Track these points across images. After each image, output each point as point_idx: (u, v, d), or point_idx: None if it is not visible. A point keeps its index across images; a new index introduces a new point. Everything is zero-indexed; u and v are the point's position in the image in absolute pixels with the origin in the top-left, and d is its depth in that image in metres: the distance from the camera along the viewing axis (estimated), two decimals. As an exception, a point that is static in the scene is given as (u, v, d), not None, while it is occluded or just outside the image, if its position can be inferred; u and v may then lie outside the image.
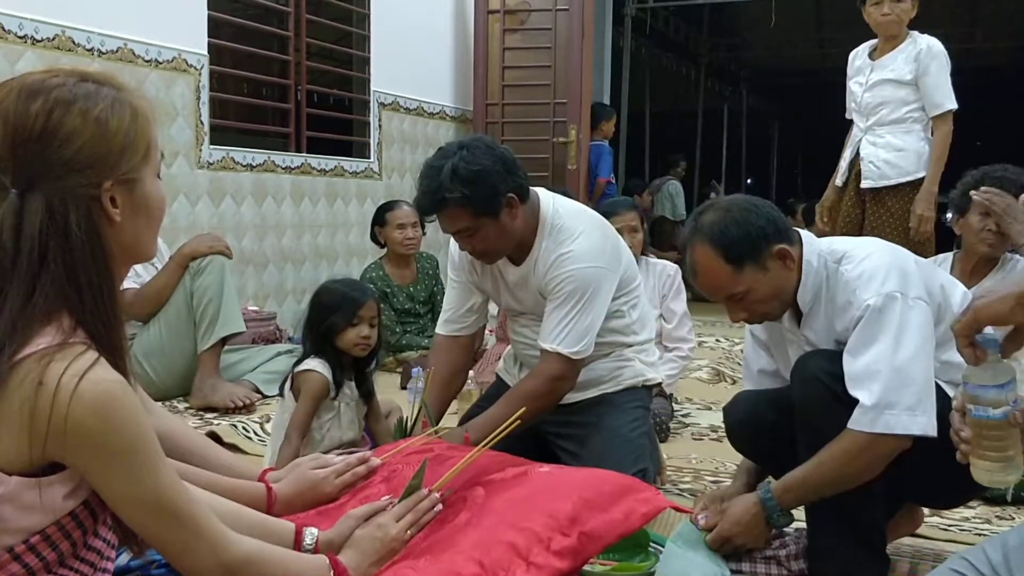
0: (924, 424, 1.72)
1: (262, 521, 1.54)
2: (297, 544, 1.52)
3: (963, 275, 2.92)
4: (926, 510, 2.25)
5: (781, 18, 8.97)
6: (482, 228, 2.30)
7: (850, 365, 1.79)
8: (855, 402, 1.76)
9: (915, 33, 4.01)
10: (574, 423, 2.48)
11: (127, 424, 1.12)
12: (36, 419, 1.07)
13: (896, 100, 3.96)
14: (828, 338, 1.91)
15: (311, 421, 2.47)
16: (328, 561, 1.41)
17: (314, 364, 2.47)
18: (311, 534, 1.53)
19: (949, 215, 3.10)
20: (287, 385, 2.53)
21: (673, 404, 3.47)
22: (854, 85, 4.15)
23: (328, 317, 2.46)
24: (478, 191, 2.25)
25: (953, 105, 3.89)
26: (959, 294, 1.92)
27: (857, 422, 1.75)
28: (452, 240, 2.50)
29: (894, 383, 1.72)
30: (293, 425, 2.44)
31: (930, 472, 1.75)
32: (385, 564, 1.50)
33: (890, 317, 1.77)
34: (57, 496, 1.13)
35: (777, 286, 1.90)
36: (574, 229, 2.41)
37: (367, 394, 2.59)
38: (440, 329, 2.66)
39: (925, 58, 3.90)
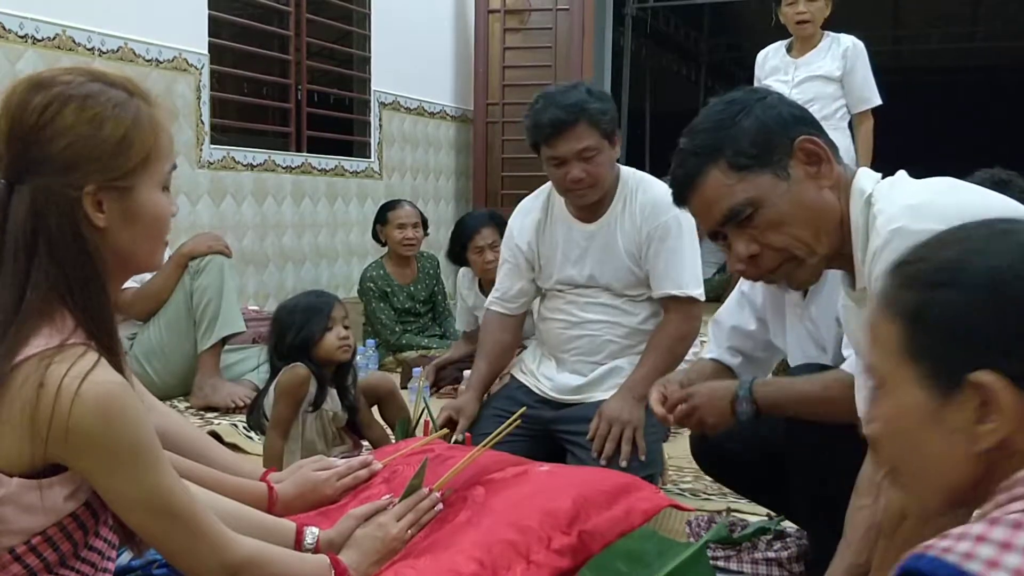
0: None
1: (263, 520, 1.53)
2: (298, 543, 1.52)
3: None
4: None
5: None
6: (601, 152, 2.39)
7: None
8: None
9: (830, 32, 4.16)
10: (588, 423, 2.45)
11: (129, 426, 1.12)
12: (37, 421, 1.07)
13: (826, 96, 4.12)
14: (830, 320, 1.78)
15: (292, 420, 2.41)
16: (329, 561, 1.41)
17: (294, 365, 2.41)
18: (312, 533, 1.53)
19: None
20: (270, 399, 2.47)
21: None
22: (775, 83, 4.23)
23: (300, 330, 2.40)
24: (610, 109, 2.40)
25: (879, 101, 4.09)
26: None
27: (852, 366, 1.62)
28: (513, 217, 2.64)
29: None
30: (272, 425, 2.41)
31: None
32: (386, 563, 1.50)
33: None
34: (58, 497, 1.13)
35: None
36: (652, 179, 2.53)
37: (351, 408, 2.52)
38: (491, 306, 2.69)
39: (852, 55, 4.10)
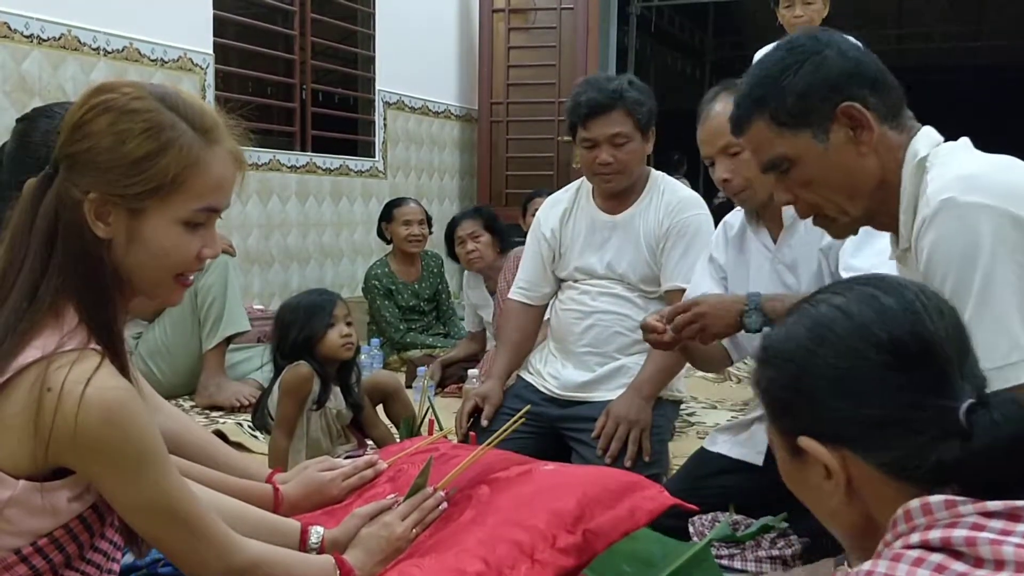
0: None
1: (267, 520, 1.54)
2: (302, 543, 1.52)
3: None
4: None
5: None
6: (632, 140, 2.48)
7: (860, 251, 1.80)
8: None
9: None
10: (595, 421, 2.46)
11: (134, 432, 1.12)
12: (40, 425, 1.07)
13: None
14: (809, 255, 1.91)
15: (298, 419, 2.41)
16: (334, 561, 1.41)
17: (298, 363, 2.42)
18: (316, 533, 1.53)
19: None
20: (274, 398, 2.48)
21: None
22: None
23: (303, 328, 2.41)
24: (648, 102, 2.51)
25: None
26: None
27: None
28: (541, 209, 2.71)
29: None
30: (278, 424, 2.41)
31: None
32: (390, 563, 1.50)
33: None
34: (63, 500, 1.14)
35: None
36: (681, 184, 2.65)
37: (355, 406, 2.53)
38: (513, 295, 2.74)
39: None
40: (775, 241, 1.99)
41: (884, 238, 1.68)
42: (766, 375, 1.00)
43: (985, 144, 1.42)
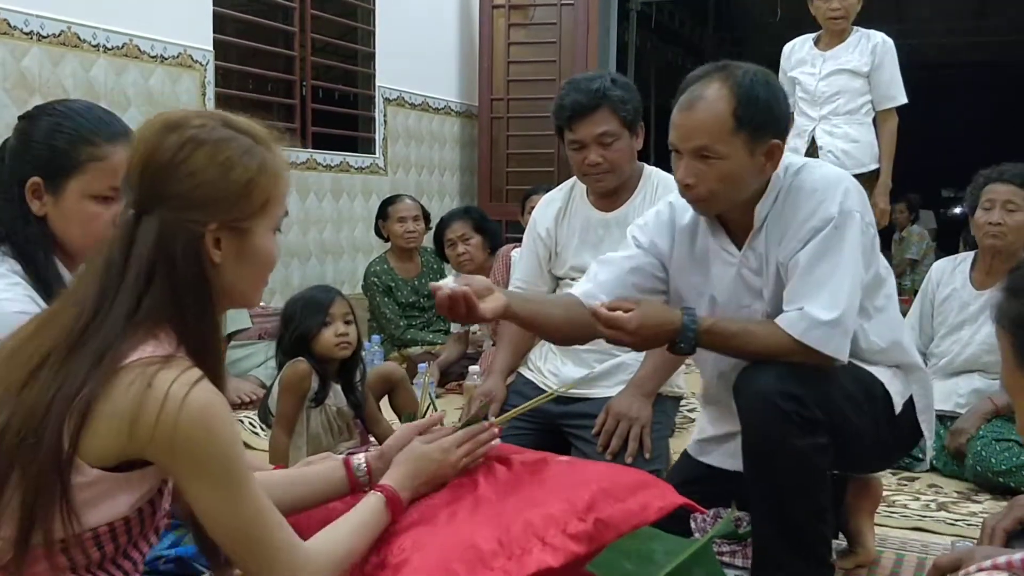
0: (845, 353, 1.75)
1: (311, 475, 1.58)
2: (350, 478, 1.57)
3: (981, 274, 2.94)
4: (885, 485, 2.24)
5: (786, 12, 8.96)
6: (620, 139, 2.48)
7: (804, 280, 1.75)
8: (809, 423, 1.70)
9: (860, 28, 4.17)
10: (594, 418, 2.47)
11: (227, 441, 1.17)
12: (141, 420, 1.11)
13: (852, 91, 4.11)
14: (770, 259, 1.83)
15: (297, 416, 2.42)
16: (382, 499, 1.45)
17: (296, 360, 2.43)
18: (358, 460, 1.58)
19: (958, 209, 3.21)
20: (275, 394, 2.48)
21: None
22: (802, 75, 4.23)
23: (299, 325, 2.42)
24: (632, 99, 2.51)
25: (905, 99, 4.12)
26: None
27: (794, 327, 1.72)
28: (536, 208, 2.70)
29: (848, 307, 1.73)
30: (277, 420, 2.42)
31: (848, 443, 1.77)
32: (431, 488, 1.54)
33: (849, 236, 1.74)
34: (125, 495, 1.17)
35: (745, 179, 1.74)
36: (672, 179, 2.56)
37: (356, 404, 2.54)
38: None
39: (881, 52, 4.10)
40: (739, 246, 1.88)
41: (840, 261, 1.73)
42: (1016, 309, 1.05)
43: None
